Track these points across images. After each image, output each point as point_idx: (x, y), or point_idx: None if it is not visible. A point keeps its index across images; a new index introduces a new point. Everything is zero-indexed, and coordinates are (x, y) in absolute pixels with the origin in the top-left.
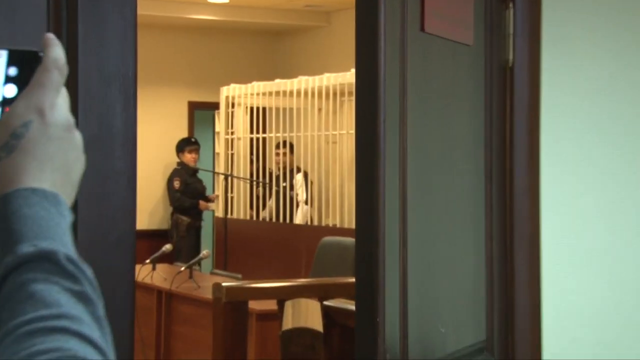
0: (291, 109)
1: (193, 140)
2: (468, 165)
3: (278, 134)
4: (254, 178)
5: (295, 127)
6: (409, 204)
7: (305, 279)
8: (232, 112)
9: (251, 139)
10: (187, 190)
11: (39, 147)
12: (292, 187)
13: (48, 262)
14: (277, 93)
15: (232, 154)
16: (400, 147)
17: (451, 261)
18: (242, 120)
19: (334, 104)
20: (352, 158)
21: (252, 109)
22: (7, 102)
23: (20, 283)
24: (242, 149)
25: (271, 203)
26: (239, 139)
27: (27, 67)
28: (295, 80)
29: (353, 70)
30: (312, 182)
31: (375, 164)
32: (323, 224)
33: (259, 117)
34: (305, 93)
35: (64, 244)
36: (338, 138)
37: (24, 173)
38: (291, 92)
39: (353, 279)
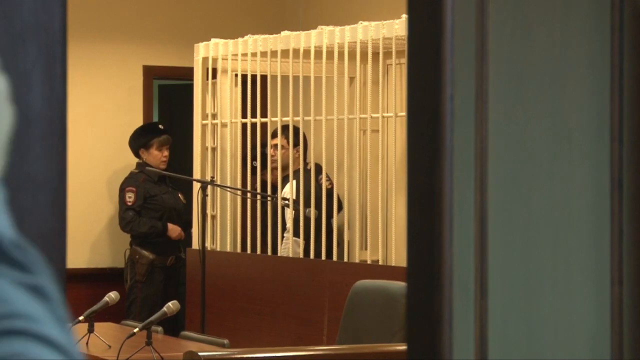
0: (307, 79)
1: (161, 127)
2: (585, 166)
3: (286, 118)
4: (249, 188)
5: (314, 106)
6: (491, 230)
7: (330, 347)
8: (214, 84)
9: (244, 126)
10: (150, 207)
11: None
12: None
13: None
14: (285, 53)
15: (213, 150)
16: (477, 141)
17: (560, 315)
18: (229, 97)
19: (374, 71)
20: (402, 156)
21: (245, 78)
22: None
23: None
24: (229, 142)
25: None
26: (224, 125)
27: None
28: (312, 33)
29: (404, 18)
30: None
31: (437, 167)
32: (357, 259)
33: (255, 92)
34: (329, 53)
35: (1, 226)
36: (380, 124)
37: None
38: (307, 52)
39: (403, 346)
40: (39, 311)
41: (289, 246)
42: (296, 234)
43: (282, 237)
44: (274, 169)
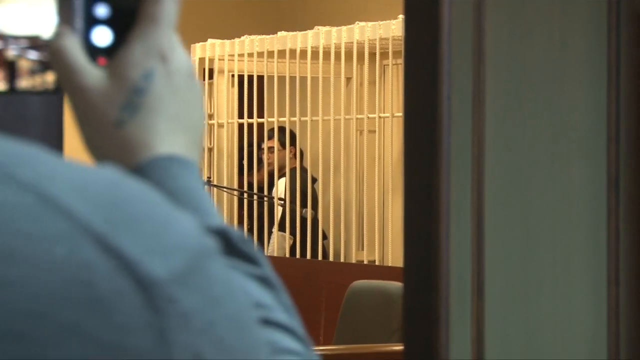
0: (303, 79)
1: None
2: (582, 166)
3: (283, 118)
4: (246, 189)
5: (310, 107)
6: (488, 230)
7: (327, 347)
8: (210, 84)
9: (241, 127)
10: None
11: (165, 102)
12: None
13: (220, 242)
14: (282, 54)
15: (210, 150)
16: (474, 141)
17: (557, 314)
18: (226, 97)
19: (371, 71)
20: (398, 156)
21: (241, 78)
22: (99, 51)
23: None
24: (226, 142)
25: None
26: (221, 126)
27: (121, 3)
28: (309, 34)
29: (400, 18)
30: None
31: (434, 167)
32: (354, 259)
33: (252, 92)
34: (326, 53)
35: (222, 221)
36: (377, 125)
37: (154, 137)
38: (303, 53)
39: (400, 346)
40: (272, 300)
41: (274, 240)
42: (282, 229)
43: (270, 232)
44: (270, 170)
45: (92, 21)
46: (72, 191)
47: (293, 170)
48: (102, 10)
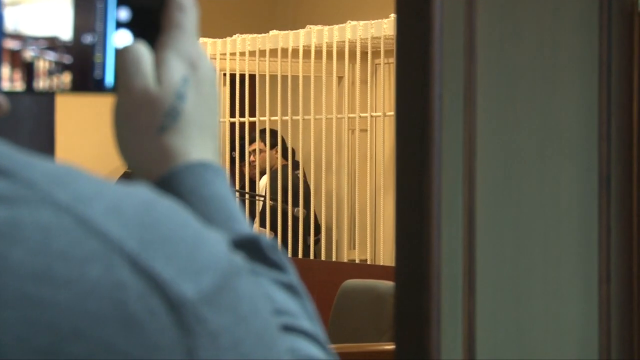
0: (295, 78)
1: None
2: (573, 165)
3: (275, 117)
4: (238, 187)
5: (302, 106)
6: (479, 229)
7: None
8: None
9: (232, 126)
10: None
11: (197, 109)
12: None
13: (249, 250)
14: (274, 52)
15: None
16: (465, 140)
17: (548, 313)
18: None
19: (363, 70)
20: (390, 155)
21: (233, 77)
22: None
23: (289, 345)
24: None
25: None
26: None
27: (141, 6)
28: (301, 33)
29: (392, 17)
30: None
31: (425, 166)
32: (345, 258)
33: (244, 91)
34: (318, 52)
35: (251, 228)
36: (369, 124)
37: (188, 143)
38: (295, 51)
39: (391, 345)
40: (296, 307)
41: None
42: (263, 225)
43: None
44: (260, 171)
45: (114, 24)
46: (106, 212)
47: (284, 168)
48: (124, 14)
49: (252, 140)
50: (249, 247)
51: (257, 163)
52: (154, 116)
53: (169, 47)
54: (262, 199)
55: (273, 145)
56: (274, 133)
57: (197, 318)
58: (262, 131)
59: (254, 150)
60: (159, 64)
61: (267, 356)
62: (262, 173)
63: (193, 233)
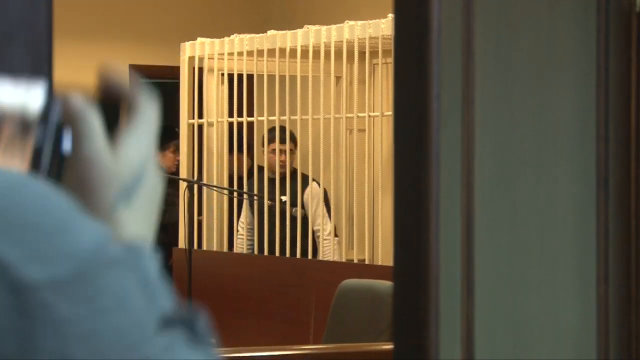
0: (293, 78)
1: (176, 130)
2: (571, 165)
3: (273, 117)
4: (236, 187)
5: (300, 105)
6: (478, 229)
7: (317, 345)
8: (200, 83)
9: (230, 125)
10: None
11: (145, 193)
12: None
13: (186, 328)
14: (272, 52)
15: (199, 149)
16: (463, 140)
17: (546, 313)
18: (215, 96)
19: (361, 70)
20: (388, 155)
21: (231, 77)
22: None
23: (165, 347)
24: (216, 141)
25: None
26: (210, 125)
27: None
28: (299, 33)
29: (390, 17)
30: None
31: (423, 166)
32: (343, 258)
33: (242, 91)
34: (316, 52)
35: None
36: (367, 124)
37: (134, 224)
38: (293, 51)
39: (390, 345)
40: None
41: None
42: (261, 224)
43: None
44: (282, 173)
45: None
46: None
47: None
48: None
49: (281, 140)
50: (186, 325)
51: (287, 163)
52: (108, 193)
53: (128, 135)
54: (260, 198)
55: (295, 146)
56: (293, 135)
57: (41, 303)
58: (282, 129)
59: (283, 150)
60: (118, 143)
61: (125, 356)
62: (283, 174)
63: (55, 221)
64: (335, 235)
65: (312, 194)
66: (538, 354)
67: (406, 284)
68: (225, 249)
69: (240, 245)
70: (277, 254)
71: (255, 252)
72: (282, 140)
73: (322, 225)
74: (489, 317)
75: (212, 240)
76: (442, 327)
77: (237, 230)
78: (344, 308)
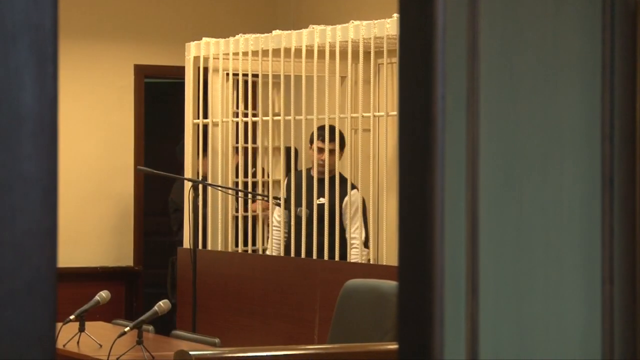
0: (298, 78)
1: None
2: (576, 165)
3: (278, 117)
4: (241, 188)
5: (305, 105)
6: (482, 229)
7: (321, 345)
8: (205, 82)
9: (237, 125)
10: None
11: None
12: (340, 213)
13: None
14: (277, 52)
15: (204, 149)
16: (468, 140)
17: (552, 314)
18: (220, 96)
19: (366, 70)
20: (393, 155)
21: (236, 77)
22: None
23: None
24: (221, 141)
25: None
26: (215, 124)
27: None
28: (304, 33)
29: (395, 17)
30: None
31: (428, 166)
32: (348, 258)
33: (247, 91)
34: (320, 52)
35: None
36: (372, 124)
37: None
38: (298, 51)
39: (395, 345)
40: None
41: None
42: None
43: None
44: (321, 173)
45: None
46: None
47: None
48: None
49: (322, 138)
50: None
51: (326, 163)
52: None
53: None
54: (265, 198)
55: (342, 146)
56: (342, 136)
57: None
58: (331, 130)
59: (321, 149)
60: None
61: None
62: (329, 174)
63: None
64: (367, 247)
65: (351, 201)
66: (543, 354)
67: (410, 284)
68: (230, 249)
69: (277, 242)
70: (285, 253)
71: (291, 253)
72: (323, 139)
73: (353, 233)
74: (494, 317)
75: (217, 240)
76: (446, 327)
77: (271, 227)
78: (348, 308)
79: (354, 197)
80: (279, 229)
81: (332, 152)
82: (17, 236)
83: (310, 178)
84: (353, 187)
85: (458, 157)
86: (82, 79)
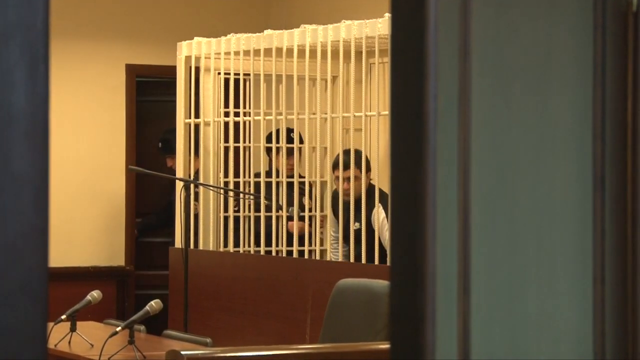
0: (290, 78)
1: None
2: (568, 164)
3: (269, 117)
4: (231, 187)
5: (297, 105)
6: (474, 228)
7: (313, 345)
8: (197, 82)
9: (226, 125)
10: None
11: None
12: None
13: None
14: (268, 52)
15: (196, 149)
16: (460, 139)
17: (543, 313)
18: (212, 95)
19: (357, 70)
20: (385, 155)
21: (228, 76)
22: None
23: None
24: (212, 141)
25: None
26: (207, 124)
27: None
28: (296, 32)
29: (387, 17)
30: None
31: (420, 166)
32: (340, 257)
33: (238, 90)
34: (312, 52)
35: None
36: (363, 123)
37: None
38: (290, 51)
39: (386, 344)
40: None
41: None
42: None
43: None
44: (347, 198)
45: None
46: None
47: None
48: None
49: (345, 167)
50: None
51: (351, 192)
52: None
53: None
54: (257, 197)
55: (368, 169)
56: (359, 154)
57: None
58: (356, 155)
59: (347, 178)
60: None
61: None
62: (348, 198)
63: None
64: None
65: (374, 218)
66: (534, 354)
67: (402, 283)
68: (221, 248)
69: (335, 254)
70: (276, 253)
71: (351, 258)
72: (345, 167)
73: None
74: (486, 317)
75: (209, 240)
76: (438, 327)
77: (329, 242)
78: (340, 307)
79: (374, 216)
80: (336, 243)
81: (357, 178)
82: (9, 236)
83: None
84: (381, 198)
85: (450, 157)
86: (74, 78)
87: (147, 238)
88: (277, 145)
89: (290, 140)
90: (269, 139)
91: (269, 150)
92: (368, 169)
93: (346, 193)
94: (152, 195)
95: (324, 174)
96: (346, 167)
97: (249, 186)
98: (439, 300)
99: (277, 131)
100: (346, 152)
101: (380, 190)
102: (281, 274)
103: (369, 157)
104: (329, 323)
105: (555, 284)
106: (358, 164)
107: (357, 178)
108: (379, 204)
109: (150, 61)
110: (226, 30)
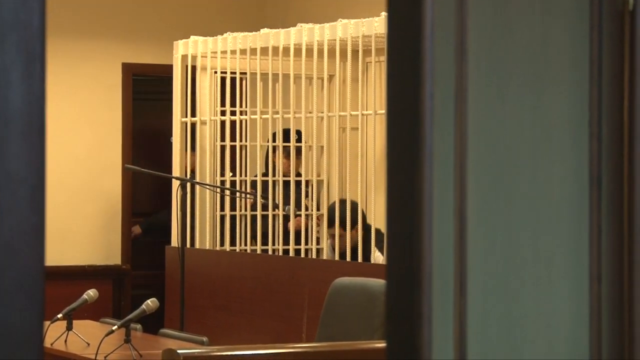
0: (286, 76)
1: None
2: (564, 163)
3: (266, 115)
4: (229, 186)
5: (293, 104)
6: (471, 227)
7: (309, 344)
8: (193, 81)
9: (223, 124)
10: None
11: None
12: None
13: None
14: (265, 51)
15: (192, 147)
16: (456, 138)
17: (540, 313)
18: (208, 94)
19: (354, 69)
20: (381, 154)
21: (224, 75)
22: None
23: None
24: (209, 139)
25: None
26: (203, 123)
27: None
28: (292, 31)
29: (383, 15)
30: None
31: (416, 165)
32: (337, 257)
33: (234, 89)
34: (309, 51)
35: None
36: (360, 122)
37: None
38: (286, 50)
39: (383, 343)
40: None
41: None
42: (254, 222)
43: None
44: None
45: None
46: None
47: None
48: None
49: (330, 223)
50: None
51: (336, 247)
52: None
53: None
54: (252, 196)
55: (353, 224)
56: (354, 206)
57: None
58: (340, 208)
59: (333, 235)
60: None
61: None
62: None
63: None
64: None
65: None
66: (531, 353)
67: (399, 282)
68: (217, 247)
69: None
70: (273, 252)
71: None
72: (331, 223)
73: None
74: (482, 316)
75: (205, 239)
76: (434, 326)
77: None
78: (336, 306)
79: (372, 260)
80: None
81: (340, 235)
82: (5, 235)
83: None
84: (377, 242)
85: (446, 156)
86: (70, 77)
87: (150, 237)
88: (286, 144)
89: (297, 141)
90: (273, 138)
91: (274, 149)
92: (355, 223)
93: (333, 246)
94: (148, 194)
95: (321, 172)
96: (331, 223)
97: (245, 185)
98: (435, 300)
99: (285, 131)
100: (342, 202)
101: (377, 232)
102: (277, 272)
103: (365, 156)
104: (325, 322)
105: (551, 283)
106: (352, 216)
107: (342, 235)
108: (375, 248)
109: (147, 60)
110: (223, 29)
